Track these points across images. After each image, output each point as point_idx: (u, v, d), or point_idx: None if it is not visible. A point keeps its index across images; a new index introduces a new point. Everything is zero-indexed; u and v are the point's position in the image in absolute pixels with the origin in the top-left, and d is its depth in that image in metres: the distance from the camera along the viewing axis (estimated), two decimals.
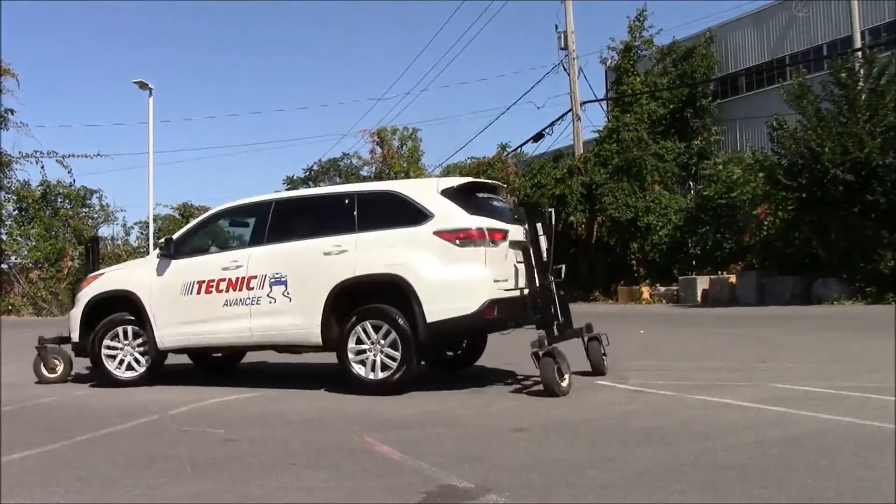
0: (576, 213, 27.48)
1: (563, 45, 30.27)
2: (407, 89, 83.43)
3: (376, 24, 74.03)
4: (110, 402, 7.63)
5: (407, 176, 35.79)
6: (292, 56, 75.77)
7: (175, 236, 8.57)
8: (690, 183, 30.71)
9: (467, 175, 26.93)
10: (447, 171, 36.40)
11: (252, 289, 7.78)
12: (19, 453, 5.34)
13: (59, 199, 32.20)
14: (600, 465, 4.49)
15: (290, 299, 7.62)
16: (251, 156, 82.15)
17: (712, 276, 23.74)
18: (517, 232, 7.69)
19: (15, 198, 31.72)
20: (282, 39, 75.93)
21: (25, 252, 30.84)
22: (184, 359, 9.25)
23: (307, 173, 38.31)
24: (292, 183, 37.96)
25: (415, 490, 4.09)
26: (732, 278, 23.08)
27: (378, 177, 36.98)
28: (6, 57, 41.50)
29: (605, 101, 33.25)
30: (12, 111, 31.30)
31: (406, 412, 6.52)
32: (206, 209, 34.60)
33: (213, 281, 7.98)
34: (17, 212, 31.97)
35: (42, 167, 32.69)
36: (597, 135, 30.32)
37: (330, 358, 7.77)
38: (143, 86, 31.02)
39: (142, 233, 33.56)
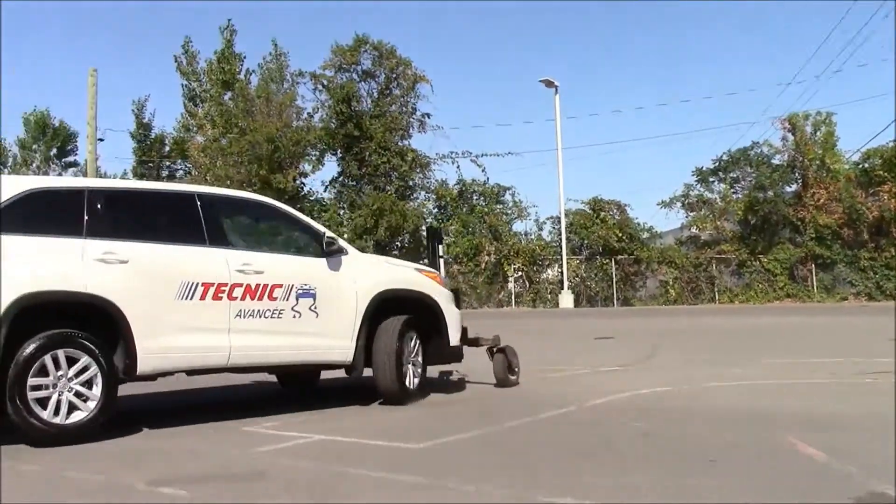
0: None
1: None
2: (817, 72, 76.78)
3: (779, 6, 69.86)
4: (535, 391, 8.31)
5: (822, 164, 33.89)
6: (695, 45, 74.48)
7: None
8: None
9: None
10: (867, 157, 33.40)
11: None
12: (453, 436, 5.98)
13: (475, 197, 35.78)
14: None
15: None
16: (658, 148, 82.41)
17: None
18: None
19: (434, 196, 36.05)
20: (679, 32, 74.99)
21: (446, 247, 34.72)
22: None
23: (716, 164, 37.53)
24: (701, 174, 37.51)
25: (842, 495, 3.99)
26: None
27: (791, 165, 35.32)
28: (422, 65, 46.61)
29: None
30: (428, 115, 36.00)
31: (842, 411, 6.42)
32: (616, 203, 35.99)
33: None
34: (436, 209, 36.35)
35: (458, 167, 36.34)
36: None
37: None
38: (549, 84, 33.18)
39: (554, 227, 35.61)
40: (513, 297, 33.73)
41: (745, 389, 8.11)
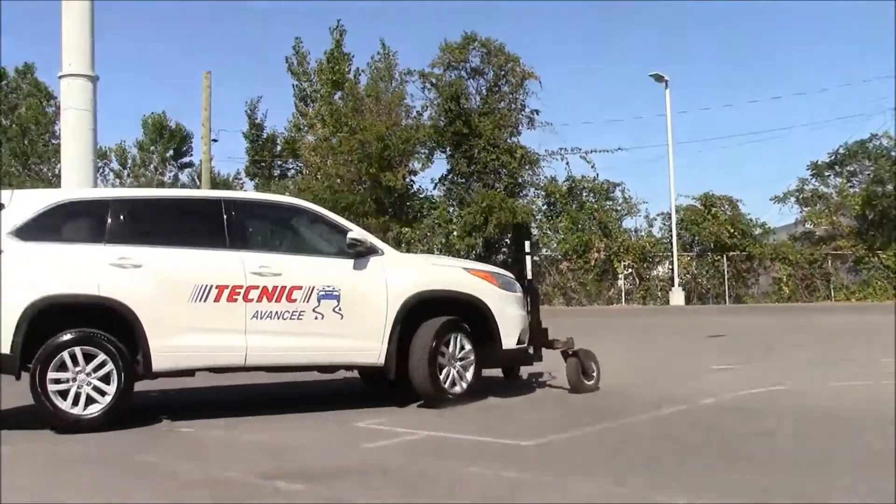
0: None
1: None
2: None
3: None
4: (647, 390, 8.45)
5: None
6: (808, 36, 72.37)
7: None
8: None
9: None
10: None
11: None
12: (561, 434, 6.14)
13: (584, 193, 35.98)
14: None
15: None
16: (771, 142, 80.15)
17: None
18: None
19: (544, 193, 36.43)
20: (791, 24, 72.84)
21: (555, 244, 35.21)
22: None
23: (832, 157, 36.69)
24: (816, 168, 36.78)
25: None
26: None
27: None
28: (530, 61, 46.81)
29: None
30: (537, 112, 36.36)
31: None
32: (728, 198, 35.59)
33: None
34: (546, 206, 36.72)
35: (567, 163, 36.67)
36: None
37: None
38: (658, 78, 33.25)
39: (664, 224, 35.55)
40: (623, 295, 33.86)
41: (863, 389, 8.03)
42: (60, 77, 30.29)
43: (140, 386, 7.25)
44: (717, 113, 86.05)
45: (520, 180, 36.36)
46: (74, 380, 6.61)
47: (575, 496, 4.44)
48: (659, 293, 33.72)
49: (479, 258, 34.28)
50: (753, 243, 34.84)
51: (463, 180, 36.38)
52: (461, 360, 7.71)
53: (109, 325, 6.79)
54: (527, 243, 9.47)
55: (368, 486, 4.80)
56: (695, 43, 74.52)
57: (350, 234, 7.50)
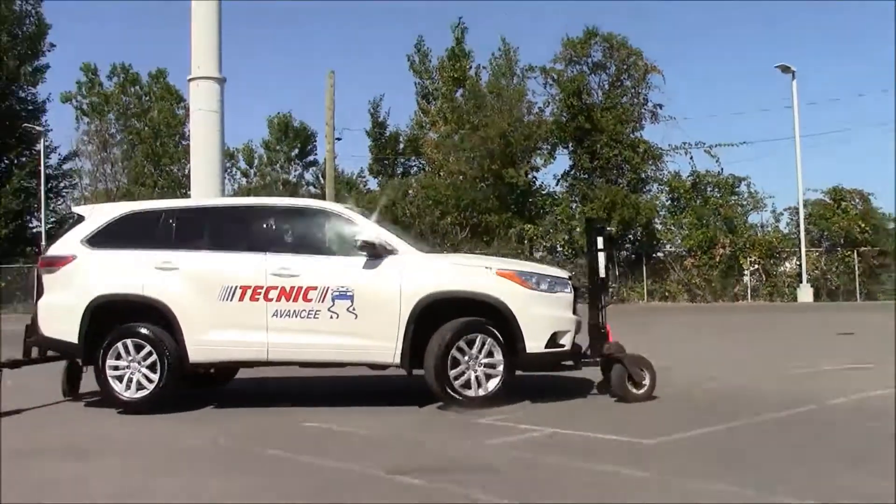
0: None
1: None
2: None
3: None
4: (774, 389, 8.39)
5: None
6: None
7: None
8: None
9: None
10: None
11: None
12: (686, 433, 6.18)
13: (709, 188, 35.95)
14: None
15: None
16: None
17: None
18: None
19: (667, 189, 36.63)
20: None
21: (679, 241, 35.36)
22: None
23: None
24: None
25: None
26: None
27: None
28: (653, 55, 46.86)
29: None
30: (660, 106, 36.79)
31: None
32: (859, 192, 34.84)
33: None
34: (669, 202, 36.88)
35: (691, 158, 36.51)
36: None
37: None
38: (785, 69, 33.04)
39: (791, 218, 35.21)
40: (748, 291, 33.77)
41: None
42: (190, 80, 32.62)
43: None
44: (848, 103, 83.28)
45: (643, 176, 36.63)
46: (128, 367, 7.85)
47: (699, 496, 4.52)
48: (786, 290, 33.41)
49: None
50: (886, 239, 34.20)
51: (585, 176, 36.85)
52: (487, 364, 7.72)
53: (154, 321, 7.91)
54: (599, 239, 8.65)
55: (490, 483, 4.89)
56: (822, 31, 72.55)
57: (360, 237, 7.83)
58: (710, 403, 7.72)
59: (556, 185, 38.80)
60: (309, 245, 8.27)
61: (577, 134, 36.26)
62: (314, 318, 7.73)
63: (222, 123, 33.17)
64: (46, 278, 8.31)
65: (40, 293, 8.34)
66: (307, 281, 7.76)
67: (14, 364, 8.45)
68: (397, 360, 7.71)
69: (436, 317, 7.71)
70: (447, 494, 4.69)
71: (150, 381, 7.83)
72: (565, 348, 7.89)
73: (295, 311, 7.75)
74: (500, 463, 5.42)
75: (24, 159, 43.59)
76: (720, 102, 78.79)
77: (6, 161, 43.65)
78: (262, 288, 7.79)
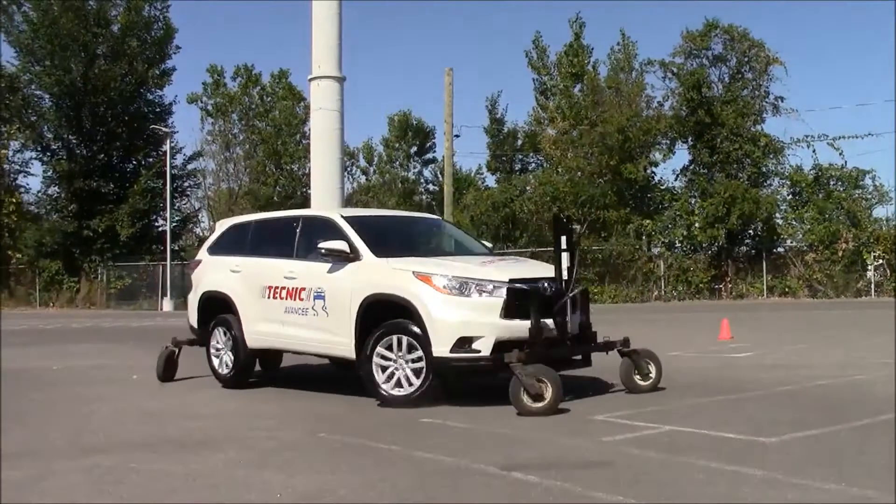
0: None
1: None
2: None
3: None
4: (883, 388, 8.39)
5: None
6: None
7: None
8: None
9: None
10: None
11: None
12: (801, 432, 6.22)
13: (832, 182, 35.62)
14: None
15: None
16: None
17: None
18: None
19: (789, 182, 36.56)
20: None
21: (801, 235, 35.29)
22: None
23: None
24: None
25: None
26: None
27: None
28: (775, 46, 46.38)
29: None
30: (782, 98, 36.77)
31: None
32: None
33: None
34: (790, 196, 36.76)
35: (814, 151, 36.17)
36: None
37: None
38: None
39: None
40: (872, 287, 33.50)
41: None
42: (310, 79, 34.27)
43: None
44: None
45: (764, 170, 36.64)
46: (219, 349, 10.05)
47: (817, 496, 4.54)
48: None
49: (721, 250, 35.15)
50: None
51: (705, 171, 37.07)
52: (412, 362, 8.02)
53: (230, 314, 9.89)
54: (562, 238, 8.20)
55: (603, 480, 4.96)
56: None
57: (321, 244, 8.74)
58: (824, 403, 7.73)
59: (675, 180, 39.17)
60: (308, 251, 9.27)
61: (697, 128, 36.51)
62: (305, 314, 9.04)
63: (342, 122, 34.71)
64: (191, 278, 10.90)
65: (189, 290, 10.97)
66: (301, 283, 9.12)
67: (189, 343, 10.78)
68: (352, 355, 8.50)
69: (378, 318, 8.30)
70: (563, 491, 4.74)
71: (227, 366, 9.96)
72: (480, 353, 7.73)
73: (296, 308, 9.14)
74: (616, 460, 5.51)
75: (150, 160, 45.95)
76: (844, 94, 76.69)
77: (134, 162, 46.36)
78: (279, 288, 9.36)
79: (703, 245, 35.70)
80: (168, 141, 43.61)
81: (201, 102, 54.28)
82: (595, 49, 45.07)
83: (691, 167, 38.10)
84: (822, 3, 71.12)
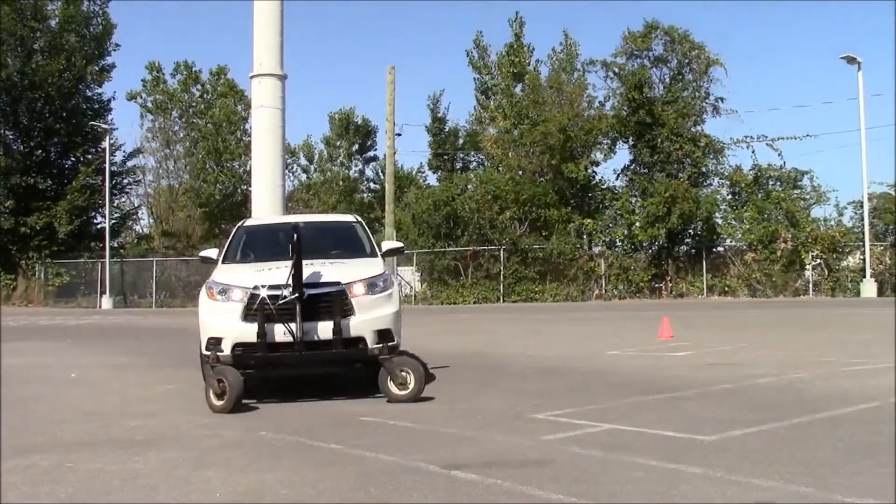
0: None
1: None
2: None
3: None
4: (835, 386, 8.53)
5: None
6: None
7: None
8: None
9: None
10: None
11: None
12: (740, 430, 6.28)
13: (771, 182, 36.38)
14: None
15: None
16: None
17: None
18: None
19: (728, 182, 37.19)
20: None
21: (740, 235, 35.85)
22: None
23: None
24: None
25: None
26: None
27: None
28: (715, 48, 47.00)
29: None
30: (722, 99, 37.47)
31: None
32: None
33: None
34: (730, 196, 37.42)
35: (753, 151, 37.30)
36: None
37: None
38: (850, 60, 33.19)
39: (855, 212, 35.34)
40: (810, 286, 34.21)
41: None
42: (252, 77, 34.11)
43: None
44: None
45: (704, 170, 37.26)
46: None
47: (758, 493, 4.58)
48: (849, 284, 33.65)
49: (661, 249, 35.65)
50: None
51: (645, 170, 37.57)
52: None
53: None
54: (290, 247, 8.60)
55: (545, 478, 5.00)
56: (888, 21, 71.66)
57: (201, 252, 10.06)
58: (767, 400, 7.84)
59: (616, 179, 39.67)
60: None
61: (638, 128, 36.99)
62: None
63: (283, 119, 34.65)
64: None
65: None
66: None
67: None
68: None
69: None
70: (505, 490, 4.79)
71: None
72: (224, 353, 8.44)
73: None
74: (557, 458, 5.56)
75: (89, 156, 45.71)
76: (783, 95, 78.50)
77: (72, 158, 45.98)
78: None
79: (644, 244, 36.16)
80: (107, 138, 43.23)
81: (141, 99, 54.01)
82: (537, 49, 45.55)
83: (632, 167, 38.57)
84: (763, 2, 72.60)
